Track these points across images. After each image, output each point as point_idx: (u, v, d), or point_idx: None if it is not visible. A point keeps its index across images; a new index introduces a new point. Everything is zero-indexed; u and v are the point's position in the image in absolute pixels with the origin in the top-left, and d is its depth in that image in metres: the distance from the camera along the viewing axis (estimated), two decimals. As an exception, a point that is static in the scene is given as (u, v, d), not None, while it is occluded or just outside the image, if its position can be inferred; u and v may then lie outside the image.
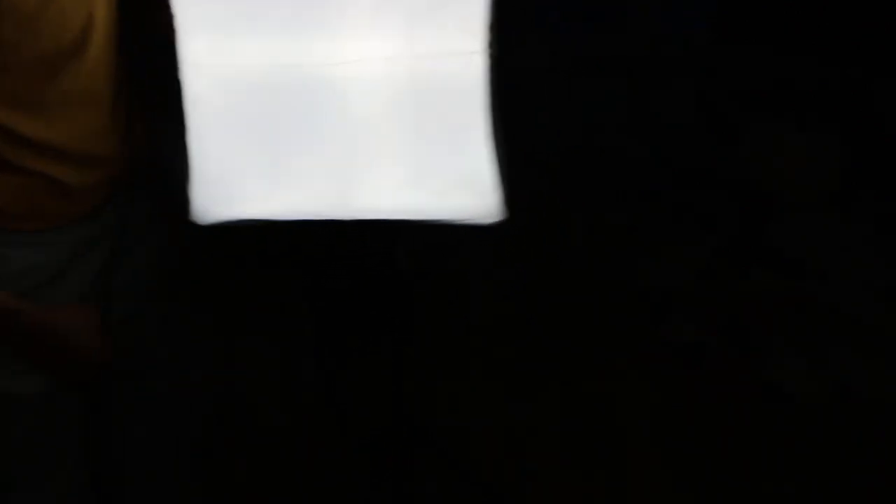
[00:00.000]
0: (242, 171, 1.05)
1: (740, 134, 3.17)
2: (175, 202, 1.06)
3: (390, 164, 1.04)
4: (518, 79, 1.15)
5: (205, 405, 1.84)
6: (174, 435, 1.33)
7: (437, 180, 1.03)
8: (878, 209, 2.93)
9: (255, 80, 1.01)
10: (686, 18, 5.02)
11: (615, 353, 2.12)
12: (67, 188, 0.97)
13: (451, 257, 2.35)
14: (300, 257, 2.01)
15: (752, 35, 3.84)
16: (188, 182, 1.03)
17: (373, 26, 0.98)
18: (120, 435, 1.24)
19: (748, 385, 1.98)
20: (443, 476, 1.51)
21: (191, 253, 1.70)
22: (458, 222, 1.05)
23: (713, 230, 2.83)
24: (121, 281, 1.12)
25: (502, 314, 2.32)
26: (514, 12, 0.99)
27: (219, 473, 1.73)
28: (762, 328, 2.22)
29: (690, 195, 3.13)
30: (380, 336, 2.17)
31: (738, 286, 2.45)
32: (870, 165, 3.11)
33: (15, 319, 0.96)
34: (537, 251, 2.29)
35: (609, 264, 2.59)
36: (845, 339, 2.15)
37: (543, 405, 1.92)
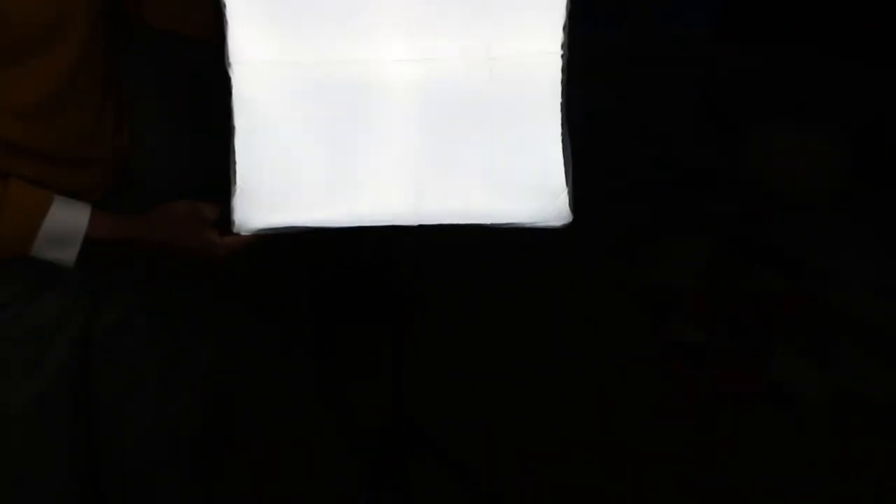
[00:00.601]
0: (294, 175, 0.98)
1: (741, 134, 3.17)
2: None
3: (461, 166, 1.00)
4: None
5: (203, 405, 1.84)
6: (172, 436, 1.33)
7: (509, 183, 1.00)
8: (879, 209, 2.93)
9: (308, 77, 0.95)
10: (688, 17, 5.02)
11: (616, 353, 2.12)
12: (58, 192, 0.95)
13: (450, 258, 2.35)
14: (300, 257, 2.01)
15: (754, 34, 3.84)
16: (231, 187, 0.97)
17: (445, 22, 0.95)
18: (119, 437, 1.24)
19: (749, 385, 1.98)
20: (442, 477, 1.51)
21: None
22: (528, 225, 1.02)
23: (714, 230, 2.83)
24: (114, 283, 1.12)
25: (501, 314, 2.32)
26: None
27: (217, 474, 1.73)
28: (763, 328, 2.22)
29: (691, 195, 3.13)
30: (379, 337, 2.17)
31: (739, 286, 2.45)
32: (871, 165, 3.11)
33: (122, 242, 0.97)
34: (537, 251, 2.29)
35: (609, 264, 2.59)
36: (846, 338, 2.15)
37: (543, 405, 1.92)
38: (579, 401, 1.93)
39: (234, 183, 0.96)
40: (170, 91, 1.65)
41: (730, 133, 3.55)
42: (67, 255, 0.93)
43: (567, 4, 0.93)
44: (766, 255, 2.64)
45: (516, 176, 1.00)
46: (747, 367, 2.06)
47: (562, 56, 0.95)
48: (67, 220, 0.92)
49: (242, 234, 0.98)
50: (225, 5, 0.92)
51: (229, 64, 0.93)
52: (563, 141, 0.99)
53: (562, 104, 0.97)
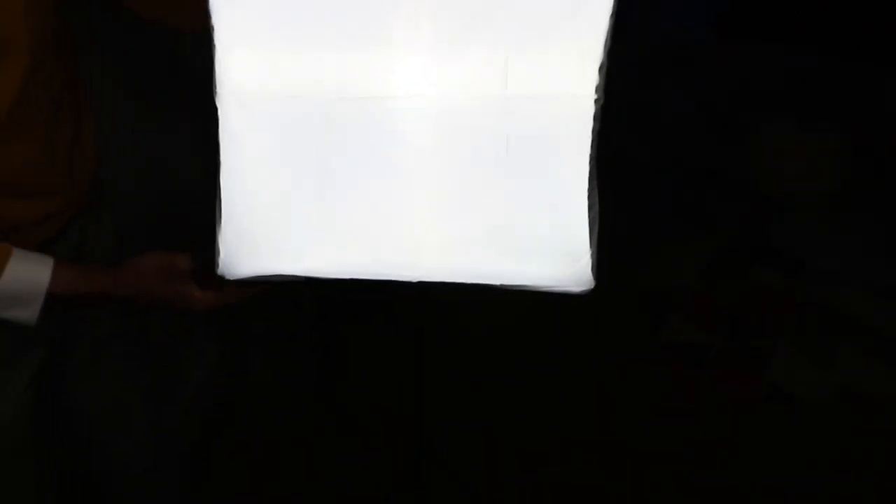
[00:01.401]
0: (285, 220, 0.89)
1: (742, 134, 3.17)
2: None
3: (467, 218, 0.88)
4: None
5: (203, 409, 1.84)
6: (169, 442, 1.32)
7: (522, 240, 0.89)
8: (879, 209, 2.93)
9: (304, 112, 0.85)
10: (688, 17, 5.02)
11: (616, 353, 2.12)
12: (8, 223, 0.89)
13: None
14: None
15: (754, 34, 3.84)
16: (216, 227, 0.88)
17: (456, 56, 0.82)
18: (115, 446, 1.23)
19: (749, 385, 1.98)
20: (444, 481, 1.51)
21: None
22: (543, 290, 0.92)
23: (714, 230, 2.83)
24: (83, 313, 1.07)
25: (501, 314, 2.32)
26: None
27: (217, 474, 1.73)
28: (763, 328, 2.22)
29: (692, 195, 3.13)
30: (379, 336, 2.17)
31: (739, 286, 2.45)
32: (871, 165, 3.11)
33: (91, 298, 0.91)
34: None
35: (610, 265, 2.58)
36: (846, 338, 2.15)
37: (543, 405, 1.92)
38: (579, 401, 1.93)
39: (220, 223, 0.87)
40: (158, 88, 1.64)
41: (730, 133, 3.54)
42: (28, 313, 0.85)
43: (606, 41, 0.79)
44: (766, 255, 2.64)
45: (531, 233, 0.89)
46: (747, 367, 2.05)
47: (595, 101, 0.82)
48: (27, 276, 0.84)
49: (227, 278, 0.89)
50: (214, 29, 0.83)
51: (217, 94, 0.85)
52: (591, 197, 0.87)
53: (592, 156, 0.85)
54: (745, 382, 2.00)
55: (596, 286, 0.99)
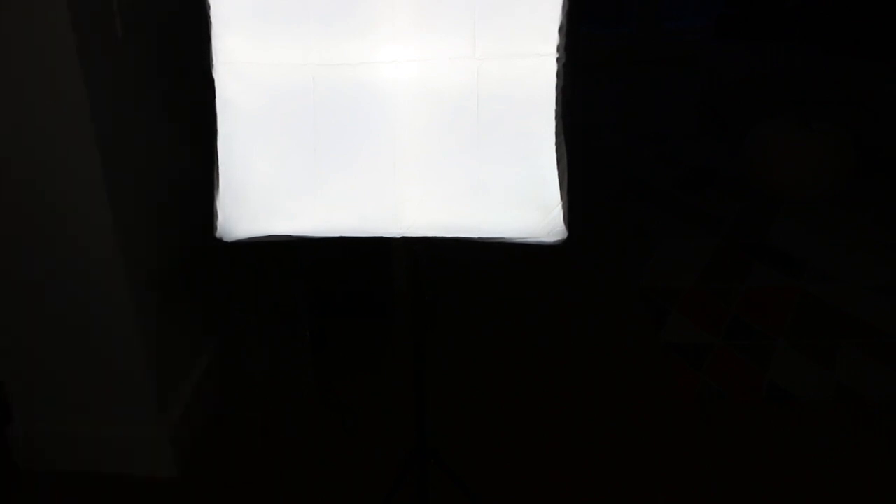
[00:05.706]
0: (278, 183, 0.94)
1: (741, 133, 3.18)
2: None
3: (445, 175, 0.94)
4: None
5: (204, 409, 1.84)
6: None
7: (497, 194, 0.93)
8: (879, 209, 2.93)
9: (293, 80, 0.91)
10: (688, 17, 5.02)
11: (616, 353, 2.12)
12: None
13: (443, 259, 2.35)
14: (299, 255, 2.01)
15: (754, 34, 3.84)
16: (214, 192, 0.94)
17: (429, 23, 0.88)
18: None
19: (749, 384, 1.98)
20: (444, 481, 1.51)
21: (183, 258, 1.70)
22: (518, 240, 0.97)
23: (714, 230, 2.83)
24: None
25: (499, 315, 2.32)
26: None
27: (218, 477, 1.73)
28: (763, 328, 2.22)
29: (691, 195, 3.13)
30: (380, 335, 2.17)
31: (739, 286, 2.45)
32: (871, 165, 3.11)
33: None
34: (537, 252, 2.29)
35: (609, 264, 2.59)
36: (846, 338, 2.15)
37: (542, 405, 1.92)
38: (579, 401, 1.93)
39: (217, 188, 0.94)
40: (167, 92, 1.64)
41: (730, 133, 3.54)
42: None
43: (564, 4, 0.86)
44: (766, 255, 2.64)
45: (505, 187, 0.93)
46: (747, 367, 2.06)
47: (557, 59, 0.88)
48: None
49: (226, 240, 0.95)
50: (210, 6, 0.89)
51: (213, 66, 0.91)
52: (559, 150, 0.91)
53: (557, 111, 0.90)
54: (745, 382, 2.00)
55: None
